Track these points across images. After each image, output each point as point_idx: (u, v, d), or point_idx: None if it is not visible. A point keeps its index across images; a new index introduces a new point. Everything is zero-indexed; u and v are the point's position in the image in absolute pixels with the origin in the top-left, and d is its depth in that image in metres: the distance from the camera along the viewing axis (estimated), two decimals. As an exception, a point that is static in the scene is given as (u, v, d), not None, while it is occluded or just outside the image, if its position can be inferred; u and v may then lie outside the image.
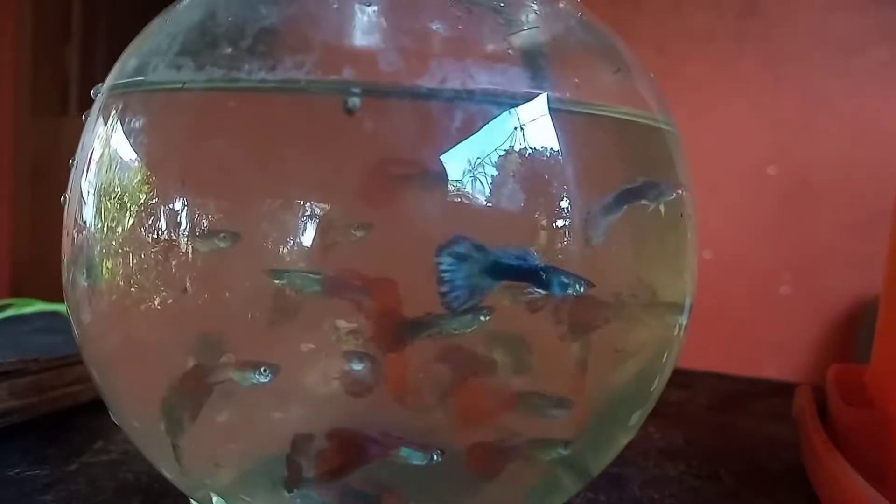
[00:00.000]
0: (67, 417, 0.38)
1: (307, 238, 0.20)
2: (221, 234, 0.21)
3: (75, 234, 0.24)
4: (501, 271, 0.20)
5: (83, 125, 0.25)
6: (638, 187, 0.23)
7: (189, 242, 0.21)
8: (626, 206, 0.23)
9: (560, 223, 0.21)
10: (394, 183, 0.20)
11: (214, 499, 0.24)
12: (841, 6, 1.49)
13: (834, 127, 1.48)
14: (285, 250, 0.20)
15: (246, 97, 0.21)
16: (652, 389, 0.25)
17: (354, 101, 0.19)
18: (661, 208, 0.25)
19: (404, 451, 0.21)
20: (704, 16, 1.58)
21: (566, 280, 0.20)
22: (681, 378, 0.57)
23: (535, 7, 0.24)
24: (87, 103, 0.26)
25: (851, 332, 1.41)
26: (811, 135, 1.50)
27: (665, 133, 0.25)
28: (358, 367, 0.21)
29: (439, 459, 0.21)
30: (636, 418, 0.25)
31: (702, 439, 0.42)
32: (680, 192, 0.25)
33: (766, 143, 1.51)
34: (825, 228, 1.44)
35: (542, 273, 0.20)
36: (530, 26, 0.22)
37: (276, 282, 0.20)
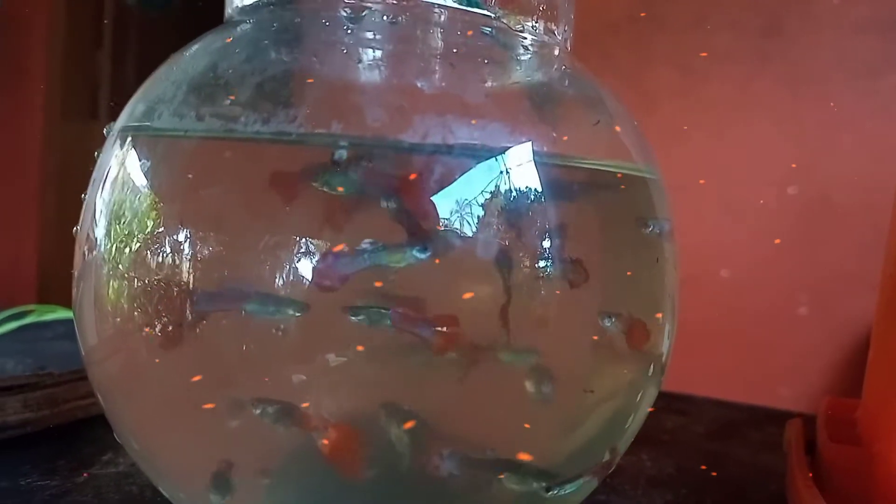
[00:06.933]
0: (79, 429, 0.39)
1: (295, 274, 0.21)
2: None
3: (86, 251, 0.26)
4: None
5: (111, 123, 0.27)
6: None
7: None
8: None
9: (540, 273, 0.22)
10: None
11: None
12: (865, 29, 1.48)
13: (857, 148, 1.48)
14: (279, 282, 0.22)
15: (242, 147, 0.22)
16: (626, 427, 0.26)
17: (341, 154, 0.21)
18: (639, 252, 0.26)
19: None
20: (726, 35, 1.58)
21: None
22: (680, 404, 0.58)
23: (521, 58, 0.25)
24: (116, 109, 0.27)
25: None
26: (833, 155, 1.49)
27: (648, 182, 0.26)
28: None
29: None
30: (610, 455, 0.26)
31: (693, 468, 0.42)
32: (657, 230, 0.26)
33: (787, 163, 1.51)
34: (845, 250, 1.43)
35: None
36: (512, 82, 0.23)
37: (353, 318, 0.22)
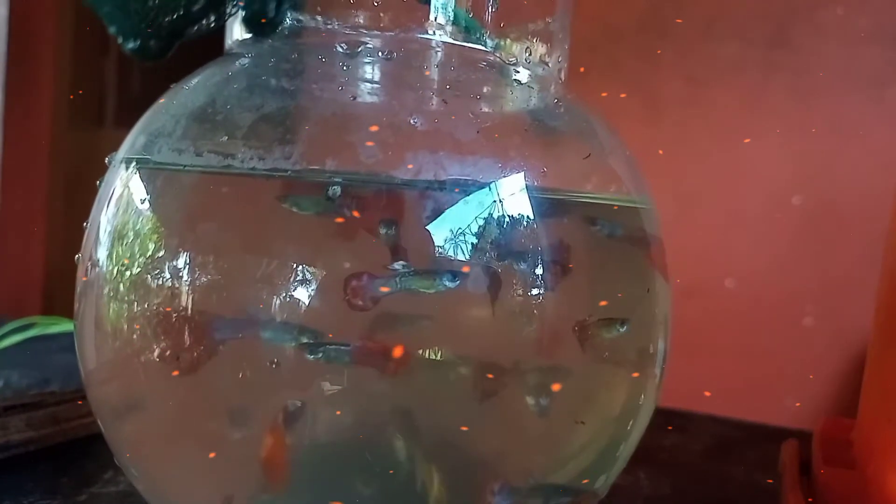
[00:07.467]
0: (81, 447, 0.40)
1: (291, 306, 0.22)
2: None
3: (87, 276, 0.26)
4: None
5: (118, 138, 0.27)
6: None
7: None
8: None
9: (529, 308, 0.23)
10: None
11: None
12: (873, 39, 1.48)
13: (862, 157, 1.48)
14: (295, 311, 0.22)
15: (239, 181, 0.23)
16: (617, 454, 0.26)
17: (335, 189, 0.21)
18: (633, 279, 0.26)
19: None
20: (733, 45, 1.58)
21: None
22: (679, 420, 0.58)
23: (514, 92, 0.25)
24: (123, 116, 0.27)
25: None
26: (839, 165, 1.49)
27: (640, 211, 0.27)
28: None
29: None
30: (601, 481, 0.27)
31: (689, 488, 0.43)
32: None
33: (793, 173, 1.51)
34: (851, 259, 1.43)
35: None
36: (504, 116, 0.23)
37: (310, 356, 0.22)
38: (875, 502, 0.33)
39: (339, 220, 0.22)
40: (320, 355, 0.22)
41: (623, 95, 1.52)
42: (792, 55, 1.54)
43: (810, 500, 0.35)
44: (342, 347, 0.22)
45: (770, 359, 1.47)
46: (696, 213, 1.49)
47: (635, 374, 0.26)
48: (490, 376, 0.23)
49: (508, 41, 0.26)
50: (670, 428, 0.54)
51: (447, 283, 0.21)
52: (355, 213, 0.22)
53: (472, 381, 0.23)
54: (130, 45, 0.22)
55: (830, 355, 1.47)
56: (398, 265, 0.21)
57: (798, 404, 1.43)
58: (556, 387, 0.23)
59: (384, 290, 0.21)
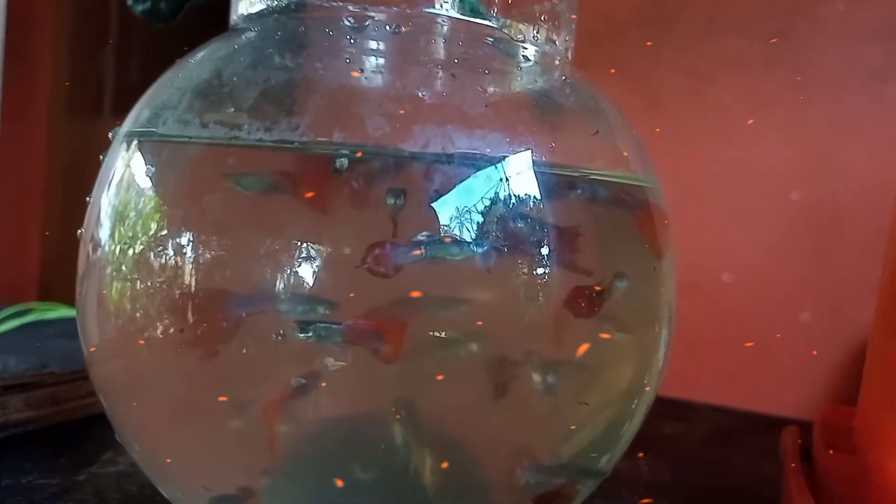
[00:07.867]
0: (80, 427, 0.40)
1: (292, 284, 0.22)
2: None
3: (90, 250, 0.26)
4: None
5: (115, 127, 0.27)
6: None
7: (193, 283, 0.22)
8: None
9: (537, 285, 0.23)
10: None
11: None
12: (874, 36, 1.47)
13: (863, 153, 1.48)
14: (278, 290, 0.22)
15: (245, 153, 0.22)
16: (622, 433, 0.26)
17: (342, 161, 0.21)
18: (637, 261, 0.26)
19: None
20: (734, 40, 1.58)
21: None
22: (680, 410, 0.58)
23: (522, 68, 0.25)
24: (121, 105, 0.27)
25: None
26: (840, 160, 1.49)
27: (646, 191, 0.27)
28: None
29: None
30: (605, 461, 0.27)
31: (690, 475, 0.43)
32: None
33: (793, 168, 1.50)
34: (850, 255, 1.43)
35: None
36: (512, 92, 0.23)
37: (301, 335, 0.22)
38: (876, 487, 0.33)
39: (309, 194, 0.22)
40: (310, 333, 0.22)
41: (622, 90, 1.52)
42: (793, 51, 1.54)
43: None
44: (333, 326, 0.22)
45: (767, 352, 1.47)
46: (695, 207, 1.48)
47: (641, 349, 0.26)
48: (498, 358, 0.23)
49: (517, 18, 0.26)
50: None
51: (475, 247, 0.21)
52: (307, 196, 0.22)
53: (480, 361, 0.23)
54: (140, 7, 0.22)
55: (827, 349, 1.47)
56: (423, 234, 0.21)
57: (794, 397, 1.43)
58: (581, 349, 0.23)
59: (415, 254, 0.21)
